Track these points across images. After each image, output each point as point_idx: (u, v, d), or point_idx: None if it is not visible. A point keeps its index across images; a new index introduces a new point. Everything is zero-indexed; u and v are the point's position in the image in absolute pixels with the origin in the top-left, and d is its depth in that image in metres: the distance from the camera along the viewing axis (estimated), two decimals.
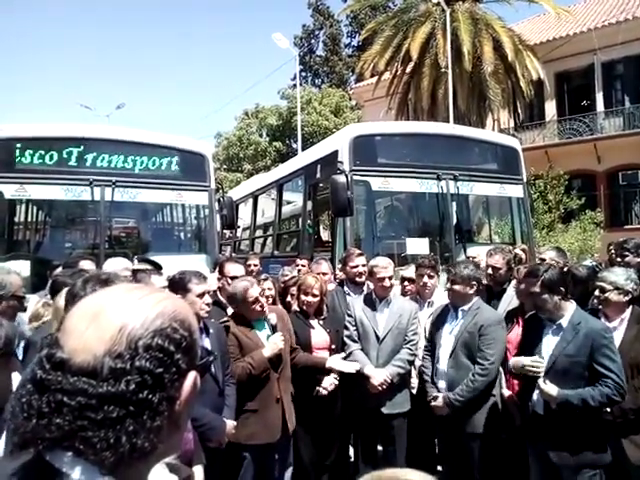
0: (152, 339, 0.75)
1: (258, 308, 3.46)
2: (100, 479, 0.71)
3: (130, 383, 0.71)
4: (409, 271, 4.56)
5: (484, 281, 4.15)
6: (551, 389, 3.03)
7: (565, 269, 4.10)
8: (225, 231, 9.42)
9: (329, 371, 3.87)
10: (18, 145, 5.52)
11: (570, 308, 3.16)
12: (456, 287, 3.64)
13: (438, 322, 3.80)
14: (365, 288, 4.44)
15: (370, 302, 4.03)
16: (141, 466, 0.75)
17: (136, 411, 0.72)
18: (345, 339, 3.99)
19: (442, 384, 3.66)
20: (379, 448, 4.03)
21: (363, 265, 4.43)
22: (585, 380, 3.00)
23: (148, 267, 4.06)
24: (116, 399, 0.71)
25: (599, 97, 19.09)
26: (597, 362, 2.97)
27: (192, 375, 0.80)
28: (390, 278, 3.96)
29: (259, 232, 10.17)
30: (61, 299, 2.01)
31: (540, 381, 3.08)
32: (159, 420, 0.74)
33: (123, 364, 0.72)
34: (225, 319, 3.55)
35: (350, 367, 3.76)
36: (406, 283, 4.57)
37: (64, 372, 0.71)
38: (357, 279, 4.50)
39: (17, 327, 2.07)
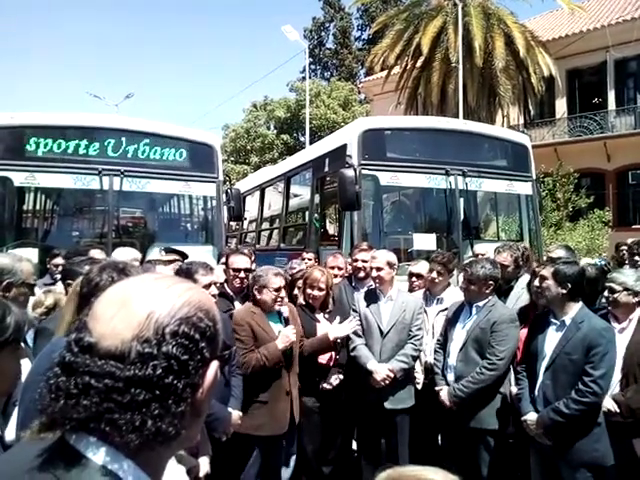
0: (178, 326, 0.76)
1: (275, 299, 3.45)
2: (123, 463, 0.73)
3: (157, 368, 0.73)
4: (418, 267, 4.54)
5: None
6: (529, 417, 3.15)
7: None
8: (231, 223, 9.43)
9: (334, 365, 3.88)
10: (28, 133, 5.54)
11: (576, 307, 3.15)
12: (472, 287, 3.64)
13: (452, 317, 3.80)
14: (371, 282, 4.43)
15: (374, 297, 4.03)
16: (163, 451, 0.77)
17: (162, 395, 0.73)
18: (349, 334, 3.99)
19: (451, 377, 3.68)
20: (382, 443, 4.04)
21: (364, 260, 4.41)
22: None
23: (177, 257, 4.17)
24: (143, 383, 0.73)
25: (611, 95, 18.91)
26: (587, 361, 2.99)
27: (214, 365, 0.81)
28: (379, 269, 3.92)
29: (265, 225, 10.17)
30: (76, 285, 2.03)
31: (522, 419, 3.21)
32: (183, 406, 0.75)
33: (150, 349, 0.74)
34: (229, 309, 3.55)
35: (349, 328, 3.77)
36: (414, 279, 4.54)
37: (92, 355, 0.73)
38: (357, 274, 4.49)
39: (27, 314, 2.09)
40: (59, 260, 4.61)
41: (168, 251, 4.45)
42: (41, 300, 3.15)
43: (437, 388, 3.72)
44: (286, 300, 3.71)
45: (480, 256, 4.86)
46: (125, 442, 0.72)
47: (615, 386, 3.19)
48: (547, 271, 3.19)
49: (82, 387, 0.72)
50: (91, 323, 0.77)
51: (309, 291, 3.93)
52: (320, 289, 3.90)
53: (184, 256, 4.26)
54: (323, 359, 3.87)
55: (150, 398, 0.73)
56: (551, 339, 3.17)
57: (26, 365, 1.86)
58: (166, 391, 0.74)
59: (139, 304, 0.77)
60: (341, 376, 3.87)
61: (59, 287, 3.35)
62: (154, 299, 0.78)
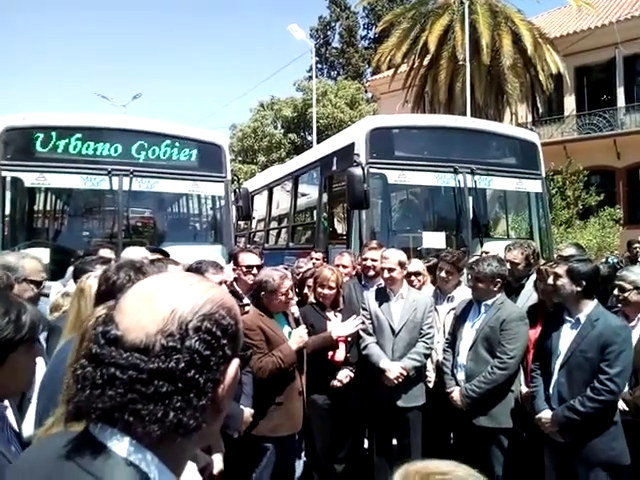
0: (201, 322, 0.79)
1: (286, 301, 3.44)
2: (145, 454, 0.76)
3: (180, 361, 0.75)
4: (413, 265, 4.48)
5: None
6: (544, 415, 3.12)
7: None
8: (240, 222, 9.45)
9: (344, 364, 3.87)
10: (38, 134, 5.58)
11: (591, 304, 3.13)
12: (480, 285, 3.63)
13: (461, 316, 3.78)
14: (381, 281, 4.42)
15: (384, 295, 4.02)
16: (184, 444, 0.79)
17: (184, 388, 0.76)
18: (360, 332, 3.98)
19: (461, 376, 3.67)
20: (394, 441, 4.03)
21: (373, 259, 4.40)
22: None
23: (159, 256, 4.14)
24: (166, 375, 0.75)
25: (620, 92, 18.76)
26: (603, 359, 2.96)
27: (235, 362, 0.83)
28: (391, 270, 3.91)
29: (274, 224, 10.19)
30: (87, 282, 2.04)
31: (536, 417, 3.18)
32: (204, 400, 0.77)
33: (174, 343, 0.76)
34: (246, 303, 3.54)
35: (352, 327, 3.77)
36: (412, 277, 4.46)
37: (117, 348, 0.76)
38: (366, 272, 4.48)
39: (41, 312, 2.10)
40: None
41: (151, 250, 4.42)
42: (59, 303, 3.15)
43: (448, 390, 3.69)
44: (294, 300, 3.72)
45: (485, 254, 4.84)
46: (147, 432, 0.74)
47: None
48: (561, 269, 3.17)
49: (107, 378, 0.75)
50: (117, 317, 0.80)
51: (319, 290, 3.93)
52: (330, 287, 3.90)
53: (166, 255, 4.22)
54: (331, 354, 3.86)
55: (172, 390, 0.75)
56: (566, 337, 3.15)
57: (40, 363, 1.87)
58: (188, 384, 0.76)
59: (164, 300, 0.79)
60: (351, 374, 3.86)
61: (70, 287, 3.37)
62: (178, 296, 0.80)
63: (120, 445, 0.75)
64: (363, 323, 3.97)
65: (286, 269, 4.19)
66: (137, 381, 0.74)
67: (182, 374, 0.75)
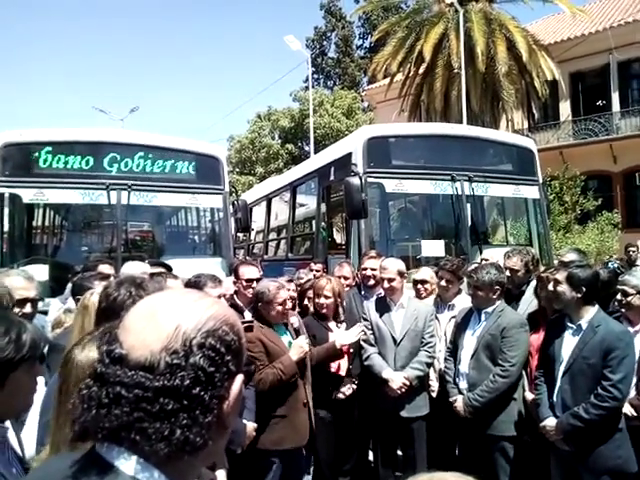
0: (205, 339, 0.79)
1: (283, 312, 3.42)
2: (153, 472, 0.75)
3: (185, 378, 0.75)
4: (420, 274, 4.50)
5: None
6: (548, 423, 3.10)
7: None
8: (239, 234, 9.45)
9: (347, 376, 3.85)
10: (36, 150, 5.59)
11: (592, 310, 3.12)
12: (479, 293, 3.62)
13: (461, 324, 3.77)
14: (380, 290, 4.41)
15: (385, 305, 4.01)
16: (192, 461, 0.79)
17: (189, 406, 0.76)
18: (362, 343, 3.96)
19: (463, 385, 3.65)
20: (399, 452, 4.01)
21: (372, 269, 4.40)
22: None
23: (162, 270, 4.13)
24: (171, 393, 0.75)
25: (615, 97, 18.87)
26: (606, 365, 2.95)
27: (240, 378, 0.83)
28: (390, 280, 3.91)
29: (273, 235, 10.19)
30: (91, 299, 2.04)
31: (541, 425, 3.17)
32: (210, 417, 0.77)
33: (178, 360, 0.76)
34: (249, 320, 3.53)
35: (355, 334, 3.77)
36: (419, 286, 4.47)
37: (122, 366, 0.76)
38: (365, 282, 4.47)
39: (42, 331, 2.09)
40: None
41: (153, 264, 4.41)
42: (61, 320, 3.12)
43: (451, 399, 3.68)
44: (293, 310, 3.69)
45: (485, 261, 4.84)
46: (154, 451, 0.74)
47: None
48: (561, 275, 3.16)
49: (113, 397, 0.75)
50: (122, 335, 0.80)
51: (317, 300, 3.93)
52: (326, 297, 3.88)
53: (168, 268, 4.21)
54: (334, 367, 3.84)
55: (178, 408, 0.75)
56: (568, 343, 3.14)
57: (41, 383, 1.86)
58: (193, 401, 0.76)
59: (167, 317, 0.80)
60: (354, 386, 3.84)
61: (70, 303, 3.36)
62: (182, 312, 0.81)
63: (128, 464, 0.75)
64: (365, 333, 3.96)
65: (290, 281, 4.16)
66: (143, 399, 0.74)
67: (187, 391, 0.75)
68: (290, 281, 4.18)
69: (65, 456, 0.79)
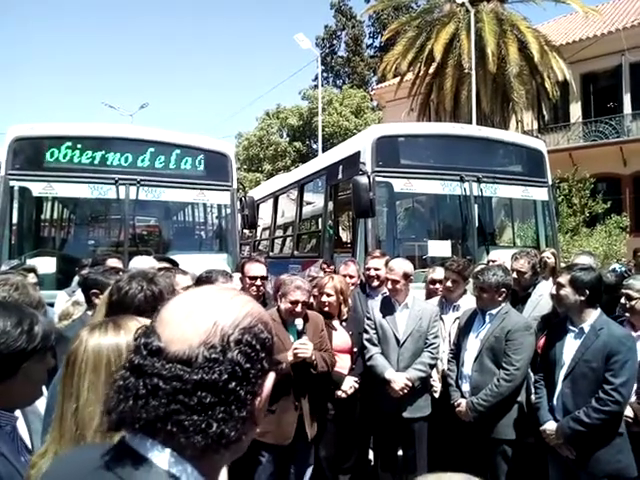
0: (242, 335, 0.81)
1: (292, 311, 3.39)
2: (186, 466, 0.76)
3: (222, 373, 0.77)
4: (437, 273, 4.49)
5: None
6: (549, 427, 3.09)
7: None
8: (245, 231, 9.48)
9: (349, 374, 3.85)
10: (46, 144, 5.63)
11: (594, 314, 3.10)
12: (485, 295, 3.60)
13: (465, 326, 3.76)
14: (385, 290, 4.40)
15: (389, 305, 3.99)
16: (225, 455, 0.80)
17: (226, 400, 0.77)
18: (365, 342, 3.96)
19: (466, 387, 3.63)
20: (399, 453, 4.00)
21: (376, 269, 4.39)
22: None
23: (168, 265, 4.14)
24: (209, 386, 0.76)
25: (626, 99, 18.72)
26: (608, 369, 2.93)
27: (272, 376, 0.85)
28: (395, 282, 3.89)
29: (279, 232, 10.20)
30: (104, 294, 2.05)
31: (541, 428, 3.15)
32: (244, 412, 0.79)
33: (216, 355, 0.78)
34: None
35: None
36: (437, 285, 4.44)
37: (160, 359, 0.77)
38: (370, 282, 4.47)
39: (53, 323, 2.10)
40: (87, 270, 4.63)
41: (159, 259, 4.42)
42: (69, 312, 3.14)
43: (455, 402, 3.65)
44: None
45: (491, 262, 4.82)
46: (191, 443, 0.75)
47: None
48: (564, 278, 3.15)
49: (151, 388, 0.75)
50: (159, 328, 0.81)
51: (319, 298, 3.92)
52: (328, 294, 3.87)
53: (174, 264, 4.22)
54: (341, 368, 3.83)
55: (215, 402, 0.76)
56: (569, 347, 3.11)
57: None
58: (230, 396, 0.77)
59: (205, 313, 0.81)
60: (356, 384, 3.84)
61: (79, 295, 3.37)
62: (219, 309, 0.82)
63: (161, 457, 0.76)
64: (367, 333, 3.96)
65: (314, 287, 4.00)
66: (180, 392, 0.75)
67: (224, 385, 0.77)
68: (314, 287, 4.01)
69: (92, 447, 0.80)
